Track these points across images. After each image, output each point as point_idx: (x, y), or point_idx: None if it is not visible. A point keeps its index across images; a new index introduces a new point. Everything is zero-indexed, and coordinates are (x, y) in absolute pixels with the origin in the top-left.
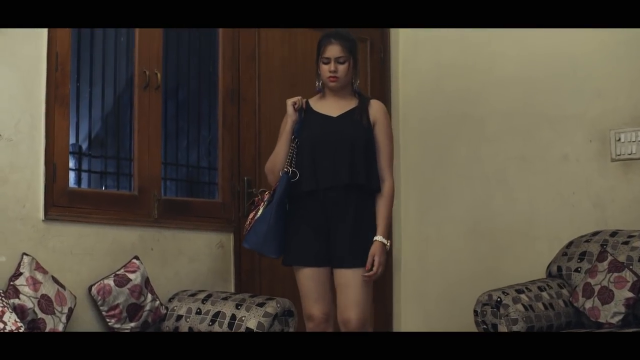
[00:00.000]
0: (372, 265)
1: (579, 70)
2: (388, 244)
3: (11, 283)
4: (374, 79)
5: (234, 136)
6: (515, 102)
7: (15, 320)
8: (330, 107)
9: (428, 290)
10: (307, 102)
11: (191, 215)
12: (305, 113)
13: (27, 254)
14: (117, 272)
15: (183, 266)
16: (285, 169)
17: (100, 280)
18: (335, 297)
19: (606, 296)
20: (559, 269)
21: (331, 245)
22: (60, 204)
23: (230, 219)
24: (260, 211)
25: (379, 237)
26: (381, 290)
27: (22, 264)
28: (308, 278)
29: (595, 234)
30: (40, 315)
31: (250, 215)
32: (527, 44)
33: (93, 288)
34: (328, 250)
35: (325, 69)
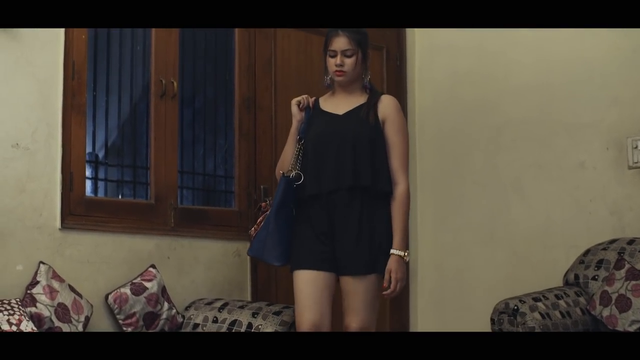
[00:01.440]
0: (390, 282)
1: (596, 78)
2: (406, 255)
3: (28, 291)
4: (390, 87)
5: (251, 144)
6: (532, 109)
7: (32, 329)
8: (338, 104)
9: (444, 298)
10: (316, 101)
11: (207, 224)
12: (313, 112)
13: (44, 263)
14: (134, 281)
15: (199, 275)
16: (285, 172)
17: (116, 289)
18: (336, 307)
19: (624, 304)
20: (576, 277)
21: (336, 252)
22: (77, 212)
23: (246, 228)
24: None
25: (394, 250)
26: (397, 298)
27: (39, 272)
28: (306, 282)
29: (613, 241)
30: (57, 323)
31: (257, 221)
32: (543, 52)
33: (110, 296)
34: (333, 255)
35: (332, 63)
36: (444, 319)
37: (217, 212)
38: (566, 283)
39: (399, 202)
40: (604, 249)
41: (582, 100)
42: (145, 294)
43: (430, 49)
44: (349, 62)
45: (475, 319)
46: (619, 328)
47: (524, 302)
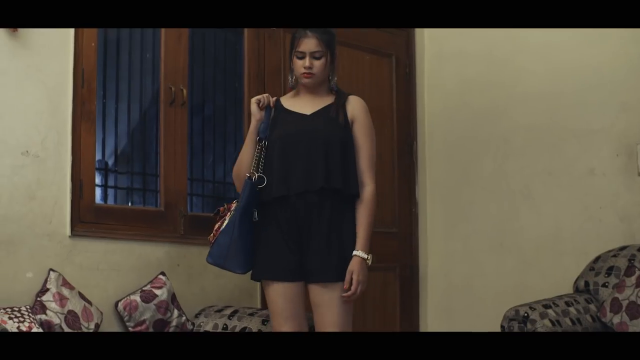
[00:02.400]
0: (351, 284)
1: (605, 84)
2: (369, 258)
3: (38, 299)
4: (399, 94)
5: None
6: (541, 116)
7: None
8: (304, 104)
9: (454, 305)
10: (277, 100)
11: None
12: (275, 111)
13: (53, 270)
14: (144, 288)
15: (209, 282)
16: (249, 174)
17: (126, 296)
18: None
19: (634, 311)
20: (586, 284)
21: (304, 258)
22: (87, 220)
23: None
24: (226, 222)
25: (358, 252)
26: (407, 305)
27: (48, 279)
28: (277, 294)
29: (623, 248)
30: (67, 330)
31: (215, 227)
32: (552, 58)
33: (119, 304)
34: (301, 263)
35: (299, 65)
36: (453, 326)
37: None
38: (576, 290)
39: (366, 204)
40: (614, 255)
41: (591, 106)
42: (155, 302)
43: (439, 56)
44: (317, 64)
45: (485, 326)
46: None
47: (534, 309)
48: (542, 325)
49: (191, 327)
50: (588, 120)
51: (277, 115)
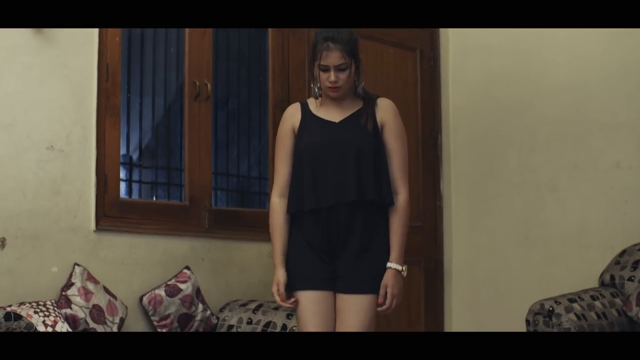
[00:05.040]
0: (385, 298)
1: (631, 77)
2: (404, 270)
3: (63, 293)
4: (424, 88)
5: None
6: (567, 109)
7: (67, 330)
8: (332, 111)
9: (479, 298)
10: (303, 104)
11: (242, 225)
12: (302, 116)
13: (78, 265)
14: (168, 282)
15: (234, 276)
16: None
17: (151, 291)
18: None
19: None
20: (612, 277)
21: (337, 268)
22: (112, 214)
23: None
24: None
25: (392, 264)
26: (432, 299)
27: (73, 274)
28: (310, 301)
29: None
30: (92, 325)
31: None
32: (578, 51)
33: (144, 298)
34: (333, 272)
35: (324, 78)
36: (478, 320)
37: (251, 213)
38: (602, 284)
39: (400, 214)
40: None
41: (617, 99)
42: (179, 296)
43: (464, 49)
44: (343, 76)
45: (510, 320)
46: None
47: (560, 303)
48: (568, 320)
49: (216, 321)
50: (614, 113)
51: (304, 121)
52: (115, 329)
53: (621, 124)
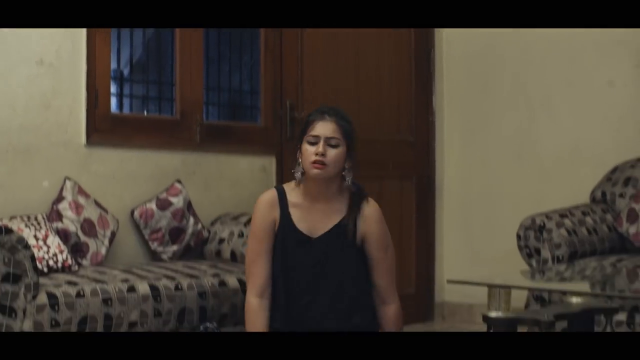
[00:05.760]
0: None
1: None
2: None
3: (54, 207)
4: None
5: (276, 59)
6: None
7: (58, 244)
8: (312, 216)
9: (471, 215)
10: (281, 197)
11: (233, 140)
12: (282, 221)
13: (69, 179)
14: (160, 196)
15: (225, 190)
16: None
17: (142, 204)
18: None
19: None
20: (603, 194)
21: None
22: (102, 129)
23: (272, 143)
24: None
25: None
26: (423, 215)
27: (64, 188)
28: None
29: None
30: (83, 238)
31: None
32: None
33: (135, 212)
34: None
35: (311, 151)
36: (470, 236)
37: (242, 127)
38: (593, 200)
39: (393, 324)
40: (632, 166)
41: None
42: (170, 209)
43: None
44: (332, 153)
45: (502, 235)
46: None
47: (551, 218)
48: (559, 235)
49: (207, 234)
50: (608, 31)
51: (283, 228)
52: (106, 243)
53: (615, 42)
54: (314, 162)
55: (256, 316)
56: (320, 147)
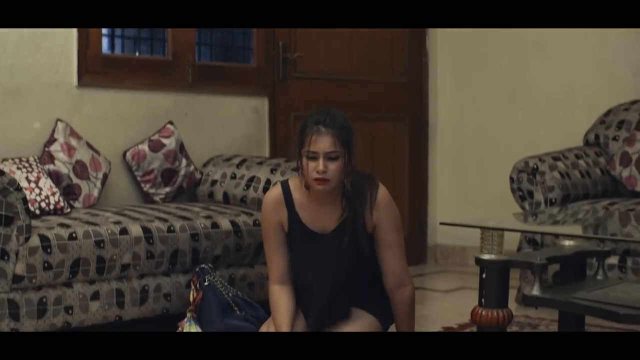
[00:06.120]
0: None
1: None
2: None
3: (46, 149)
4: None
5: None
6: None
7: (50, 186)
8: (320, 216)
9: (464, 156)
10: (287, 195)
11: (226, 81)
12: (290, 220)
13: (61, 120)
14: (152, 138)
15: (217, 131)
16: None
17: (134, 146)
18: None
19: None
20: (597, 137)
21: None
22: (94, 70)
23: (265, 84)
24: None
25: None
26: (416, 156)
27: (56, 130)
28: None
29: (635, 102)
30: (76, 180)
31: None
32: None
33: (127, 153)
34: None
35: (312, 168)
36: (463, 178)
37: (235, 68)
38: (586, 143)
39: (409, 306)
40: (626, 109)
41: None
42: (163, 151)
43: None
44: (333, 167)
45: (494, 178)
46: (638, 189)
47: (544, 161)
48: (552, 178)
49: (199, 176)
50: None
51: (291, 226)
52: (98, 185)
53: None
54: (316, 179)
55: (279, 298)
56: (320, 165)
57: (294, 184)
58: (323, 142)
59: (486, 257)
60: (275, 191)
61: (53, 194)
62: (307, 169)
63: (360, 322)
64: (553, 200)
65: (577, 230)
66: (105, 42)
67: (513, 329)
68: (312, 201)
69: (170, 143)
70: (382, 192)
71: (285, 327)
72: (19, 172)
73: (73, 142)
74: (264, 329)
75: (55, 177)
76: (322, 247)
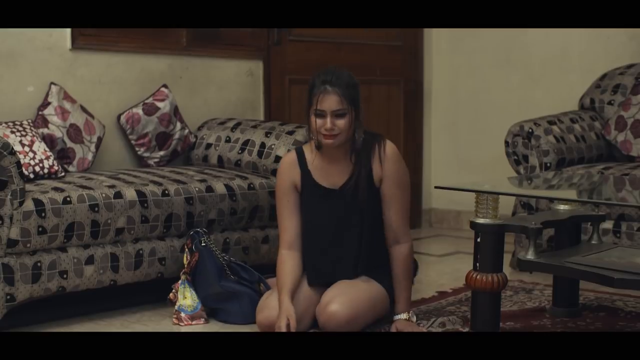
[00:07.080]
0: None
1: None
2: (412, 315)
3: (40, 113)
4: None
5: None
6: None
7: (44, 150)
8: (331, 172)
9: (459, 120)
10: (300, 157)
11: (220, 43)
12: (303, 179)
13: (55, 84)
14: (146, 101)
15: (212, 94)
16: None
17: (129, 109)
18: None
19: (639, 129)
20: (592, 101)
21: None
22: (88, 32)
23: (259, 47)
24: None
25: (401, 315)
26: (411, 119)
27: (50, 93)
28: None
29: (630, 66)
30: (70, 144)
31: None
32: None
33: (122, 117)
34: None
35: (320, 125)
36: (457, 141)
37: (230, 31)
38: (581, 107)
39: (405, 263)
40: (621, 73)
41: None
42: (157, 114)
43: None
44: (340, 123)
45: (489, 142)
46: (633, 153)
47: (539, 125)
48: (547, 142)
49: (194, 139)
50: None
51: (304, 184)
52: (93, 149)
53: None
54: (325, 135)
55: (284, 265)
56: (327, 123)
57: (307, 148)
58: (330, 101)
59: (481, 221)
60: (290, 154)
61: (47, 157)
62: (316, 126)
63: (367, 284)
64: (548, 165)
65: (572, 194)
66: None
67: (507, 293)
68: (324, 159)
69: (164, 106)
70: (390, 147)
71: (286, 292)
72: (12, 135)
73: (67, 105)
74: (266, 296)
75: (49, 140)
76: (333, 201)
